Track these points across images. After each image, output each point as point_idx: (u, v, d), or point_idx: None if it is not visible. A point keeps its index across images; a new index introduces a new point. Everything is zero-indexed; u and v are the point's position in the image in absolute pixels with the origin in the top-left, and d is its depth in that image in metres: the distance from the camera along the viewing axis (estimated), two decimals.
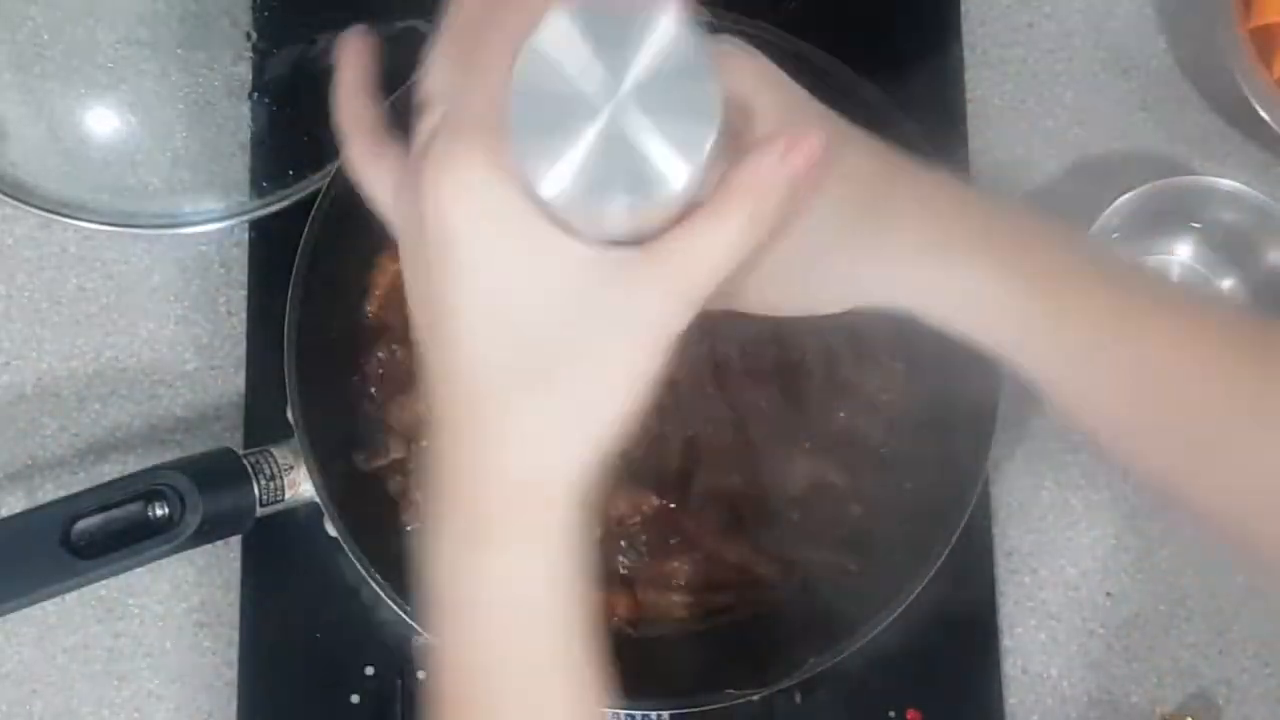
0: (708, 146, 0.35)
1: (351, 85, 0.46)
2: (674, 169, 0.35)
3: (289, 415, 0.65)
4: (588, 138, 0.35)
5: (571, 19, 0.35)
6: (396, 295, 0.72)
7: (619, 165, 0.35)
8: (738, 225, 0.38)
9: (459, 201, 0.39)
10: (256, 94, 0.75)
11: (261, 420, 0.72)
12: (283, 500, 0.66)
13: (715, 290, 0.39)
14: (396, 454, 0.69)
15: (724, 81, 0.35)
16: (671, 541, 0.69)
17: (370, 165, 0.45)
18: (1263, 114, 0.74)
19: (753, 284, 0.43)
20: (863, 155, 0.44)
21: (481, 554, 0.42)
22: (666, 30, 0.34)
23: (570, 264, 0.39)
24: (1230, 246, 0.76)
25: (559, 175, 0.35)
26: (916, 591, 0.64)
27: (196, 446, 0.70)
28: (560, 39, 0.35)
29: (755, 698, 0.64)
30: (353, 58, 0.46)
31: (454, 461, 0.42)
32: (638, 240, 0.39)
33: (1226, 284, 0.77)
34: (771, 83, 0.43)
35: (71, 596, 0.69)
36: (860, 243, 0.43)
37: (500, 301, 0.40)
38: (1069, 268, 0.45)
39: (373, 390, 0.71)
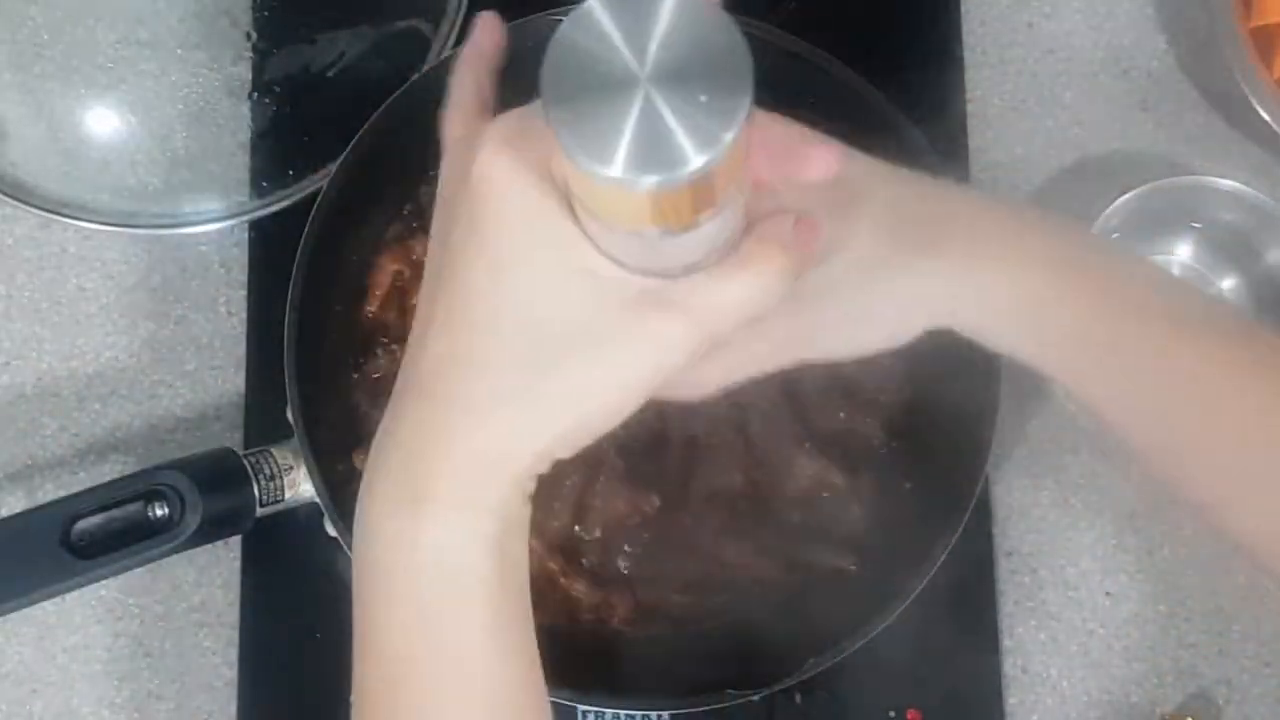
0: (743, 115, 0.35)
1: (479, 55, 0.47)
2: (709, 140, 0.35)
3: (289, 415, 0.65)
4: (623, 118, 0.35)
5: (599, 6, 0.36)
6: (396, 295, 0.72)
7: (656, 141, 0.35)
8: (769, 280, 0.40)
9: (505, 194, 0.39)
10: (256, 94, 0.75)
11: (261, 420, 0.72)
12: (283, 500, 0.66)
13: (742, 338, 0.41)
14: None
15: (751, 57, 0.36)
16: (671, 541, 0.69)
17: (455, 123, 0.46)
18: (1263, 114, 0.74)
19: (813, 335, 0.46)
20: (897, 185, 0.46)
21: (424, 520, 0.42)
22: (691, 7, 0.35)
23: (598, 278, 0.39)
24: (1230, 246, 0.76)
25: (600, 155, 0.35)
26: (916, 591, 0.64)
27: (196, 446, 0.70)
28: (587, 25, 0.36)
29: (755, 698, 0.64)
30: (490, 34, 0.48)
31: (419, 424, 0.42)
32: (666, 274, 0.40)
33: (1226, 284, 0.77)
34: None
35: (72, 596, 0.69)
36: (913, 265, 0.45)
37: (521, 294, 0.40)
38: (1125, 286, 0.46)
39: (373, 390, 0.71)
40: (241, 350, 0.74)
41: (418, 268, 0.72)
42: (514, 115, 0.41)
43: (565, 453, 0.42)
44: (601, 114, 0.35)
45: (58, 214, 0.72)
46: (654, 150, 0.35)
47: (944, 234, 0.45)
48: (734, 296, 0.40)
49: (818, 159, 0.40)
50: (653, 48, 0.35)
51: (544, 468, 0.42)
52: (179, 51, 0.74)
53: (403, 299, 0.72)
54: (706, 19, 0.35)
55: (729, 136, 0.35)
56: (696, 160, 0.35)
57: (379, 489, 0.43)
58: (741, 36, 0.36)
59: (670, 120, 0.35)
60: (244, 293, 0.75)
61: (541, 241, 0.40)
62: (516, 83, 0.71)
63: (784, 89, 0.69)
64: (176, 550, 0.63)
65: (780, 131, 0.41)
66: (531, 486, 0.43)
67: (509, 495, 0.42)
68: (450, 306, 0.42)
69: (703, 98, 0.35)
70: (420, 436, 0.42)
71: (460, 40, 0.73)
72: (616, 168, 0.35)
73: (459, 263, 0.41)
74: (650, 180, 0.35)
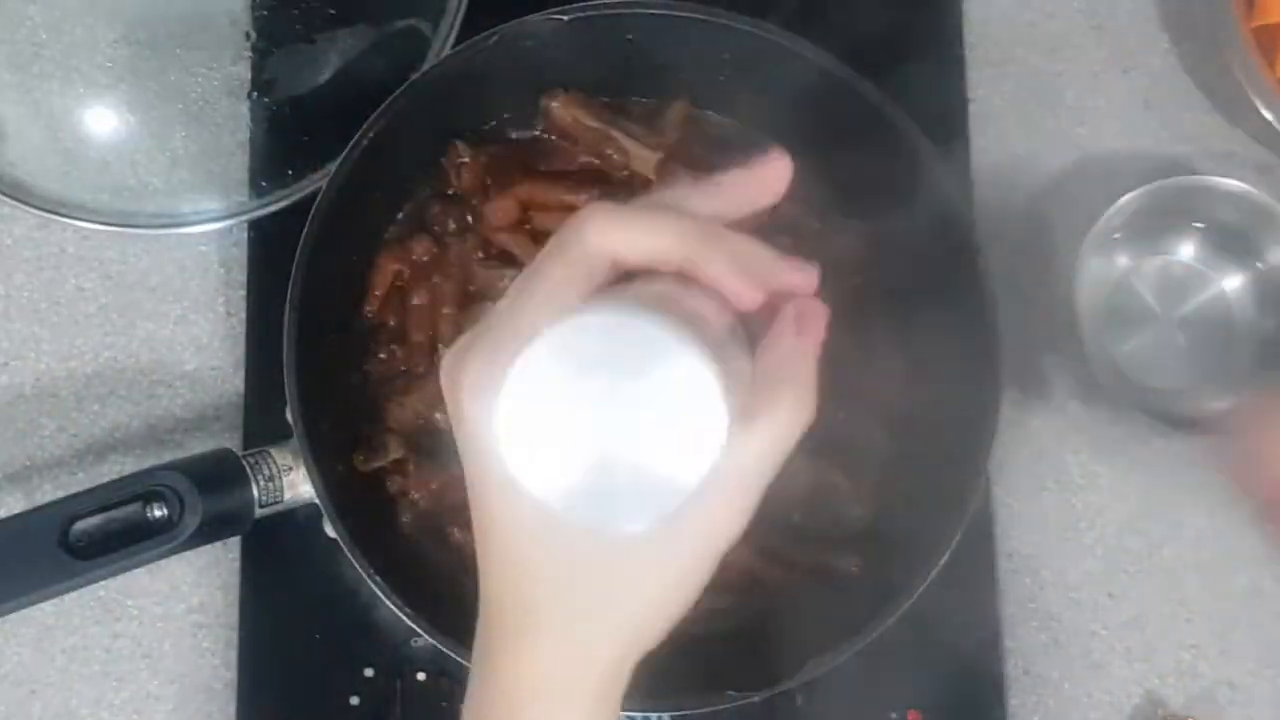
0: (707, 469, 0.33)
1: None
2: (674, 490, 0.33)
3: (288, 415, 0.65)
4: (584, 453, 0.33)
5: (572, 334, 0.33)
6: (396, 295, 0.72)
7: (618, 484, 0.33)
8: (786, 425, 0.37)
9: (489, 459, 0.38)
10: (256, 94, 0.75)
11: (261, 420, 0.72)
12: (282, 501, 0.66)
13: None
14: (396, 454, 0.69)
15: (730, 405, 0.33)
16: None
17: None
18: (1265, 113, 0.74)
19: None
20: None
21: None
22: (682, 361, 0.33)
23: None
24: (1232, 246, 0.76)
25: (557, 487, 0.34)
26: (918, 593, 0.63)
27: (196, 447, 0.70)
28: (560, 351, 0.33)
29: (756, 699, 0.64)
30: None
31: (490, 656, 0.42)
32: None
33: (1228, 284, 0.77)
34: None
35: (71, 597, 0.69)
36: None
37: (520, 541, 0.39)
38: None
39: (372, 390, 0.71)
40: (241, 350, 0.74)
41: (417, 268, 0.72)
42: (473, 363, 0.38)
43: (653, 646, 0.41)
44: (576, 464, 0.33)
45: (57, 214, 0.72)
46: (614, 497, 0.33)
47: None
48: (771, 452, 0.37)
49: (800, 274, 0.39)
50: (628, 389, 0.33)
51: (633, 668, 0.41)
52: (179, 51, 0.74)
53: (403, 299, 0.72)
54: (692, 371, 0.33)
55: (692, 486, 0.33)
56: (685, 488, 0.33)
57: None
58: (710, 368, 0.32)
59: (636, 470, 0.33)
60: (244, 293, 0.75)
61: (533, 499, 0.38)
62: (517, 81, 0.72)
63: (784, 89, 0.69)
64: (175, 551, 0.63)
65: (763, 258, 0.39)
66: (626, 685, 0.42)
67: (596, 708, 0.41)
68: (484, 554, 0.41)
69: (682, 424, 0.33)
70: (496, 671, 0.42)
71: (460, 40, 0.73)
72: (576, 509, 0.34)
73: (476, 502, 0.40)
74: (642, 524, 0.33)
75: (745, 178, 0.40)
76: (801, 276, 0.39)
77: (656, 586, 0.40)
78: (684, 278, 0.37)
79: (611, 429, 0.33)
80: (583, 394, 0.33)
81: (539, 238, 0.71)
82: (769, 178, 0.40)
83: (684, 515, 0.36)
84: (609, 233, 0.37)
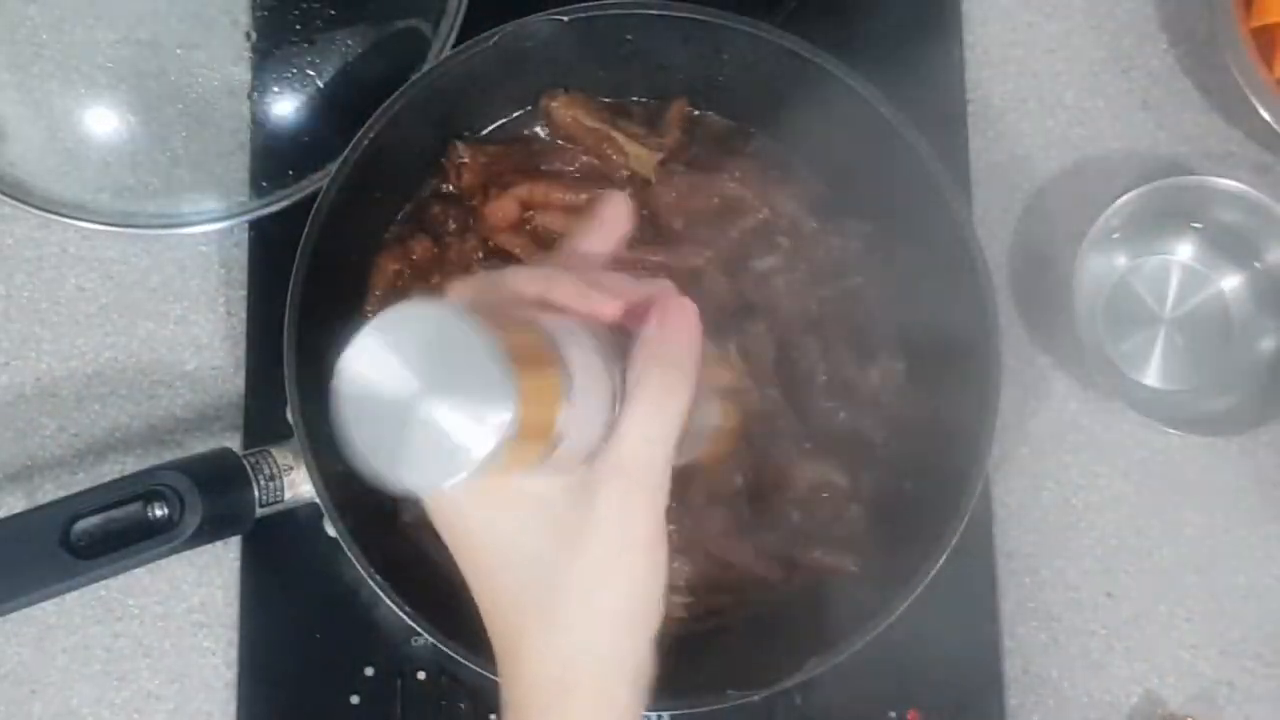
0: (508, 416, 0.37)
1: None
2: (481, 438, 0.37)
3: (288, 415, 0.65)
4: (401, 430, 0.38)
5: (372, 335, 0.38)
6: (395, 295, 0.72)
7: (433, 449, 0.37)
8: (659, 402, 0.42)
9: (441, 505, 0.44)
10: (256, 94, 0.75)
11: (261, 420, 0.72)
12: (282, 501, 0.66)
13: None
14: None
15: (507, 355, 0.37)
16: (672, 542, 0.69)
17: None
18: (1263, 113, 0.74)
19: None
20: None
21: None
22: (442, 324, 0.38)
23: (539, 501, 0.42)
24: (1231, 246, 0.76)
25: (388, 464, 0.38)
26: (917, 592, 0.64)
27: (196, 446, 0.70)
28: (364, 354, 0.38)
29: (756, 698, 0.64)
30: None
31: (505, 670, 0.45)
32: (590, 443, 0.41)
33: (1227, 284, 0.77)
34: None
35: (71, 596, 0.69)
36: None
37: (486, 557, 0.44)
38: None
39: None
40: (241, 350, 0.74)
41: (417, 267, 0.72)
42: None
43: (651, 628, 0.45)
44: (393, 438, 0.38)
45: (57, 214, 0.72)
46: (445, 451, 0.37)
47: None
48: (655, 429, 0.42)
49: (652, 286, 0.44)
50: (420, 366, 0.38)
51: (639, 653, 0.45)
52: (179, 51, 0.74)
53: (401, 299, 0.72)
54: (457, 332, 0.37)
55: (506, 417, 0.37)
56: (486, 445, 0.37)
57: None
58: (488, 341, 0.37)
59: (450, 422, 0.37)
60: (244, 293, 0.75)
61: (484, 514, 0.43)
62: (517, 81, 0.72)
63: (784, 89, 0.70)
64: (176, 550, 0.63)
65: (616, 279, 0.44)
66: (639, 671, 0.45)
67: (593, 701, 0.44)
68: (474, 594, 0.45)
69: (472, 394, 0.37)
70: (511, 681, 0.45)
71: (460, 40, 0.73)
72: (426, 480, 0.38)
73: (459, 560, 0.45)
74: (458, 479, 0.37)
75: (596, 219, 0.47)
76: (654, 288, 0.44)
77: (614, 559, 0.43)
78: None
79: (419, 399, 0.38)
80: (398, 370, 0.38)
81: (539, 237, 0.71)
82: (611, 213, 0.47)
83: (604, 489, 0.42)
84: (458, 292, 0.44)
